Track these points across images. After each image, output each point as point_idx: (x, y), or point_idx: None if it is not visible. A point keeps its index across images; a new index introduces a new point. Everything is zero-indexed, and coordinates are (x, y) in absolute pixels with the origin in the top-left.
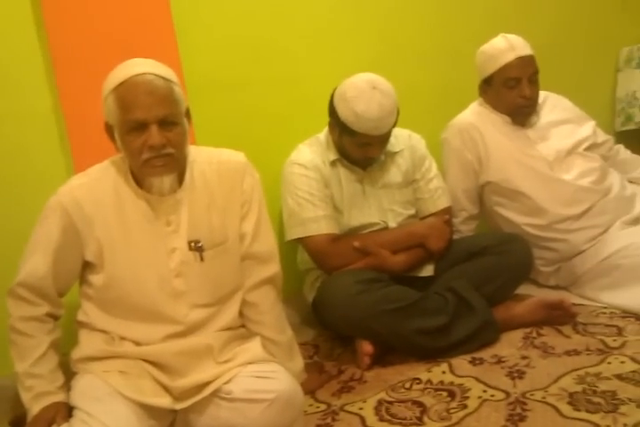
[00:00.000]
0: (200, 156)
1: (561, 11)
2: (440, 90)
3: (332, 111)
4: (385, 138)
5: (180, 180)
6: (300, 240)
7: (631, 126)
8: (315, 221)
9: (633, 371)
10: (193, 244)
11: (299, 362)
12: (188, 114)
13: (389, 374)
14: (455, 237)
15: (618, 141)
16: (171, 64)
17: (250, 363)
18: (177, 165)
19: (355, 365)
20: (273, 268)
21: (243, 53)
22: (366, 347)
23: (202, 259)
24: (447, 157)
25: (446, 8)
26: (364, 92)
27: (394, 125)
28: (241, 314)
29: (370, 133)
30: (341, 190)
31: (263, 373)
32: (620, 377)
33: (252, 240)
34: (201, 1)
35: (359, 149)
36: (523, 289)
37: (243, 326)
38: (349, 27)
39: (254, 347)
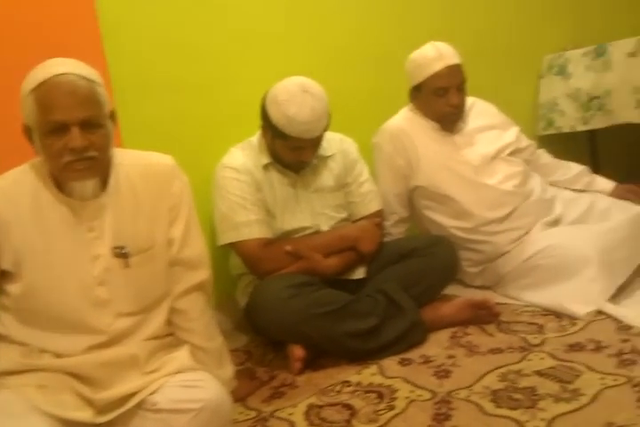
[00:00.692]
0: (126, 159)
1: (488, 18)
2: (371, 94)
3: (264, 115)
4: (317, 141)
5: (104, 184)
6: (232, 245)
7: (552, 131)
8: (247, 226)
9: (551, 367)
10: (117, 250)
11: (229, 369)
12: (112, 116)
13: (320, 377)
14: (386, 239)
15: (540, 145)
16: (96, 65)
17: (177, 372)
18: (100, 169)
19: (287, 370)
20: (202, 274)
21: (173, 55)
22: (298, 352)
23: (127, 266)
24: (378, 162)
25: (377, 14)
26: (296, 95)
27: (325, 129)
28: (169, 322)
29: (302, 137)
30: (274, 194)
31: (190, 382)
32: (539, 373)
33: (181, 246)
34: (129, 2)
35: (291, 152)
36: (450, 290)
37: (171, 334)
38: (281, 31)
39: (182, 356)
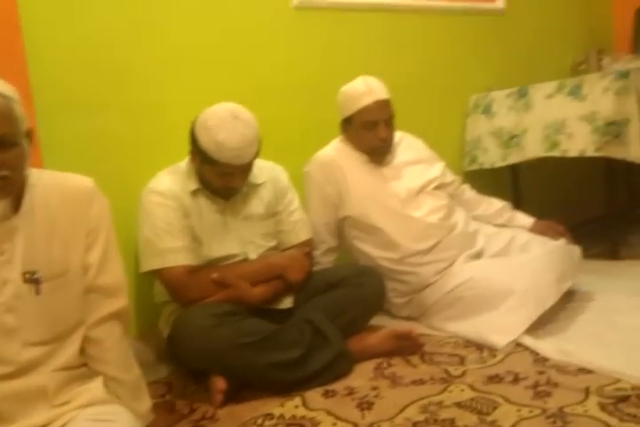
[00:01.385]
0: (42, 179)
1: (418, 57)
2: (303, 124)
3: (193, 140)
4: (246, 168)
5: (17, 205)
6: (156, 272)
7: (475, 167)
8: (172, 252)
9: (471, 398)
10: (28, 275)
11: (146, 402)
12: (29, 134)
13: (243, 410)
14: (315, 268)
15: (465, 180)
16: (18, 81)
17: (89, 405)
18: (12, 189)
19: (208, 403)
20: (120, 302)
21: (102, 75)
22: (219, 383)
23: (38, 292)
24: (309, 191)
25: (311, 45)
26: (226, 121)
27: (256, 156)
28: (82, 352)
29: (231, 163)
30: (202, 221)
31: (102, 415)
32: (459, 405)
33: (98, 272)
34: (56, 19)
35: (220, 178)
36: (378, 320)
37: (84, 364)
38: (214, 56)
39: (95, 388)
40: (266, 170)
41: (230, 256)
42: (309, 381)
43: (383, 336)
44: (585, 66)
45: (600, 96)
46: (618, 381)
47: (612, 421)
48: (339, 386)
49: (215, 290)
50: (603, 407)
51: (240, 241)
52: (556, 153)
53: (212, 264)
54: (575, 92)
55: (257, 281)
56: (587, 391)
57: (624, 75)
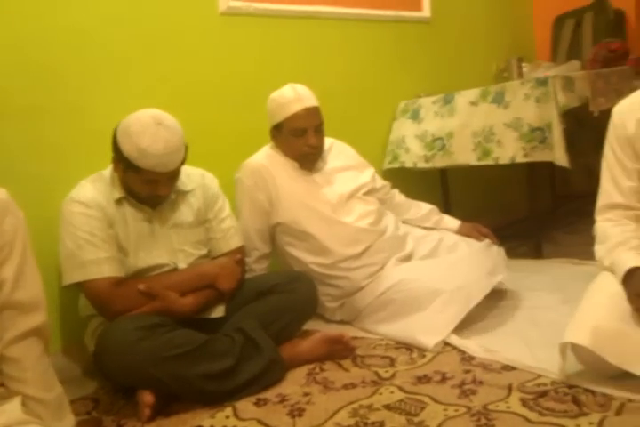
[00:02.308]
0: None
1: (348, 64)
2: (234, 131)
3: (116, 147)
4: (173, 175)
5: None
6: (79, 284)
7: (395, 165)
8: (96, 264)
9: (400, 400)
10: None
11: (69, 421)
12: None
13: (172, 424)
14: (248, 275)
15: (384, 178)
16: None
17: None
18: None
19: (136, 418)
20: (38, 318)
21: (21, 79)
22: (147, 397)
23: None
24: (240, 197)
25: (239, 51)
26: (149, 127)
27: (181, 163)
28: None
29: (155, 170)
30: (127, 230)
31: None
32: (388, 407)
33: (13, 287)
34: None
35: (146, 186)
36: (312, 325)
37: (1, 384)
38: (140, 62)
39: (12, 409)
40: (195, 177)
41: (158, 266)
42: (241, 390)
43: (315, 341)
44: (507, 73)
45: (522, 103)
46: (539, 376)
47: (532, 415)
48: (270, 394)
49: (142, 302)
50: (524, 403)
51: (169, 250)
52: (489, 161)
53: (140, 275)
54: (499, 100)
55: (187, 291)
56: (510, 388)
57: (543, 82)
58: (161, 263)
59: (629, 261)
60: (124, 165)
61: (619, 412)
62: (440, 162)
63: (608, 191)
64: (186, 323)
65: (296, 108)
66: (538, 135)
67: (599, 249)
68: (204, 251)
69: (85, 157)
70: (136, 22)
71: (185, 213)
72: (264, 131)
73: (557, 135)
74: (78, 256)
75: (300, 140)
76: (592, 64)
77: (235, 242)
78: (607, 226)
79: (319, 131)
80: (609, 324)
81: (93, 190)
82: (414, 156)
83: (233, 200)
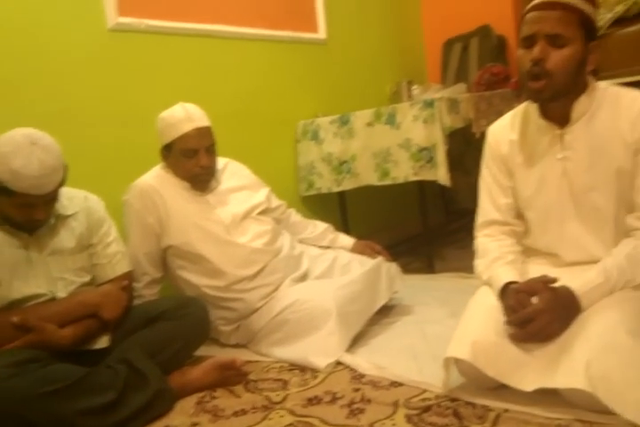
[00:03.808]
0: None
1: (243, 83)
2: (121, 150)
3: None
4: (50, 198)
5: None
6: None
7: (313, 192)
8: None
9: (289, 424)
10: None
11: None
12: None
13: None
14: (138, 302)
15: (303, 205)
16: None
17: None
18: None
19: None
20: None
21: None
22: None
23: None
24: (128, 219)
25: (129, 69)
26: (22, 147)
27: (60, 185)
28: None
29: (30, 193)
30: (1, 258)
31: None
32: None
33: None
34: None
35: (20, 210)
36: (206, 350)
37: None
38: (26, 78)
39: None
40: (77, 200)
41: (35, 296)
42: (125, 425)
43: (206, 368)
44: (398, 95)
45: (411, 124)
46: (424, 391)
47: None
48: (157, 426)
49: (16, 336)
50: (409, 419)
51: (47, 278)
52: (388, 181)
53: (15, 306)
54: (391, 121)
55: (67, 321)
56: (396, 405)
57: (429, 104)
58: (38, 293)
59: (505, 275)
60: None
61: (495, 422)
62: (349, 184)
63: (485, 208)
64: (67, 356)
65: (187, 128)
66: (425, 155)
67: (479, 264)
68: (86, 278)
69: None
70: (16, 36)
71: (65, 238)
72: (154, 151)
73: (441, 155)
74: None
75: (192, 160)
76: (477, 87)
77: (121, 267)
78: (486, 241)
79: (211, 151)
80: (487, 337)
81: None
82: (327, 180)
83: (120, 223)
